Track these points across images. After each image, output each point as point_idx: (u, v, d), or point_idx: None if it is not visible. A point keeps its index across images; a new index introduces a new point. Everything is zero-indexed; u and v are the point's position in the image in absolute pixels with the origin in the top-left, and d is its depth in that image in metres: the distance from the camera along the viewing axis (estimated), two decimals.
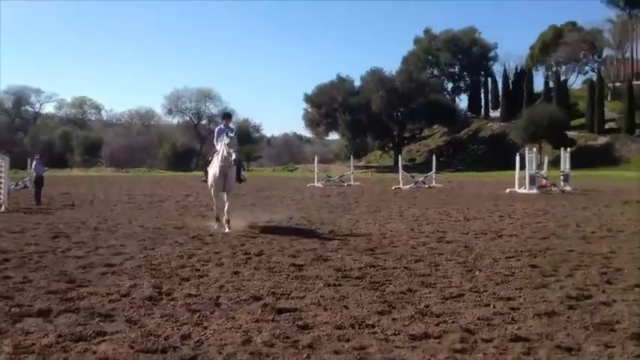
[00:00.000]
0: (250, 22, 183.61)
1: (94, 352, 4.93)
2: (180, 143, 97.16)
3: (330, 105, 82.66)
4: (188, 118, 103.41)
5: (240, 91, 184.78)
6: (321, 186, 33.89)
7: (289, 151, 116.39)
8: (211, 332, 5.50)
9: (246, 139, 76.92)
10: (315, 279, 7.82)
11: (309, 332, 5.54)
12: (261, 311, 6.21)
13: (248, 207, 18.53)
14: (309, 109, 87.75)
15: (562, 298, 6.78)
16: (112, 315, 6.06)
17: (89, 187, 32.56)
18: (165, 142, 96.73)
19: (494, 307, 6.46)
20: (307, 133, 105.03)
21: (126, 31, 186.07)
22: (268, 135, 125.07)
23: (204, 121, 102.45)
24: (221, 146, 12.58)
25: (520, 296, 6.92)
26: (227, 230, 12.40)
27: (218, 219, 13.14)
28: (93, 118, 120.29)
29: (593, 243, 11.25)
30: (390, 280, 7.74)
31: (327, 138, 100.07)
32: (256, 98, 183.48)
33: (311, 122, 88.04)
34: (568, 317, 6.02)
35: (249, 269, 8.51)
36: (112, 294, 6.91)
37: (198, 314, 6.09)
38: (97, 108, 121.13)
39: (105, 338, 5.30)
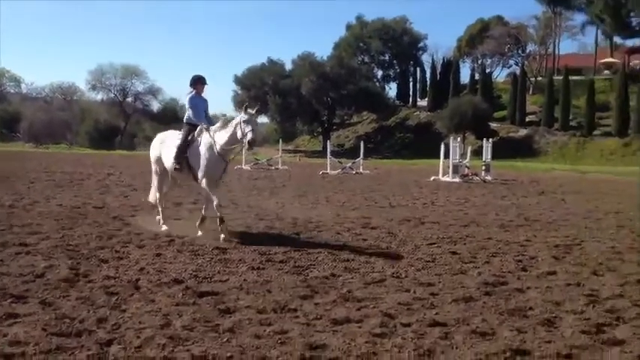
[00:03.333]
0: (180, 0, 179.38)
1: (5, 335, 4.74)
2: (103, 120, 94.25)
3: (260, 88, 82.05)
4: (113, 95, 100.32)
5: (168, 69, 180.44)
6: (249, 169, 33.68)
7: None
8: (129, 316, 5.38)
9: (173, 119, 75.28)
10: (239, 262, 7.77)
11: (231, 316, 5.50)
12: (182, 295, 6.12)
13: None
14: (239, 91, 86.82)
15: (479, 284, 6.99)
16: (25, 297, 5.84)
17: (5, 163, 31.18)
18: (88, 119, 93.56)
19: (414, 292, 6.60)
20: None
21: (49, 3, 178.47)
22: None
23: (129, 99, 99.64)
24: (230, 125, 9.65)
25: (439, 282, 7.09)
26: (223, 236, 9.44)
27: (203, 220, 9.95)
28: (12, 91, 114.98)
29: (510, 231, 11.64)
30: (314, 265, 7.78)
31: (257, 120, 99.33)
32: (184, 78, 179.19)
33: (240, 104, 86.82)
34: (484, 303, 6.21)
35: (171, 252, 8.37)
36: (26, 275, 6.66)
37: (116, 297, 5.94)
38: (17, 81, 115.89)
39: (17, 320, 5.11)
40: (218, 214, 9.58)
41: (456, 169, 27.49)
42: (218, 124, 9.93)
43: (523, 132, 71.64)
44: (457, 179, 26.74)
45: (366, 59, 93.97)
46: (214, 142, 9.73)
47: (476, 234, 11.09)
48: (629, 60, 73.89)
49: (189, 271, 7.13)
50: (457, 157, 27.97)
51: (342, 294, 6.36)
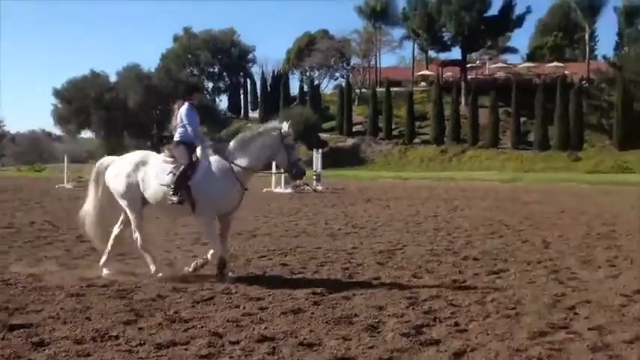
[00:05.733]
0: None
1: None
2: None
3: (83, 101, 78.05)
4: None
5: None
6: (72, 187, 31.81)
7: (37, 149, 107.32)
8: None
9: None
10: (56, 289, 7.23)
11: (45, 349, 5.09)
12: None
13: None
14: (59, 105, 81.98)
15: (308, 294, 7.09)
16: None
17: None
18: None
19: (243, 307, 6.53)
20: (57, 131, 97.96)
21: None
22: (12, 132, 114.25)
23: None
24: (258, 145, 7.94)
25: (269, 295, 7.08)
26: (231, 274, 8.06)
27: (224, 264, 7.99)
28: None
29: (339, 239, 12.00)
30: (140, 288, 7.43)
31: (80, 136, 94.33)
32: None
33: (61, 119, 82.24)
34: (312, 313, 6.30)
35: None
36: None
37: None
38: None
39: None
40: (211, 258, 7.92)
41: (287, 180, 27.89)
42: (233, 144, 8.06)
43: (351, 141, 74.60)
44: (289, 190, 27.15)
45: (196, 71, 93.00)
46: (233, 165, 7.87)
47: (306, 244, 11.28)
48: (442, 72, 79.73)
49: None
50: None
51: (169, 316, 6.13)
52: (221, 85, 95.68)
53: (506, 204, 21.75)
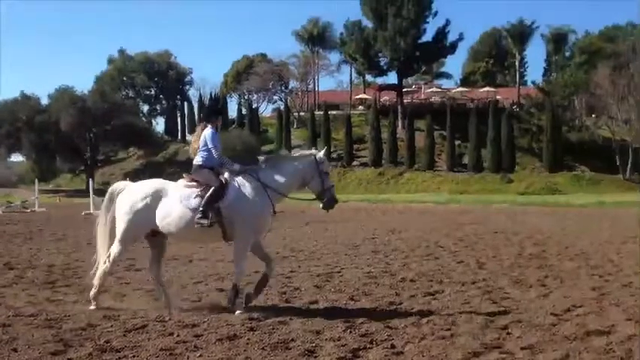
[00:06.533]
0: None
1: None
2: None
3: (13, 124, 75.51)
4: None
5: None
6: (1, 212, 30.67)
7: None
8: None
9: None
10: None
11: None
12: None
13: None
14: None
15: (244, 320, 6.99)
16: None
17: None
18: None
19: (177, 335, 6.38)
20: None
21: None
22: None
23: None
24: (291, 167, 7.88)
25: (204, 322, 6.95)
26: (239, 311, 7.43)
27: (260, 287, 7.97)
28: None
29: (277, 263, 11.86)
30: (69, 317, 7.17)
31: (9, 160, 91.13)
32: None
33: None
34: (248, 339, 6.21)
35: None
36: None
37: None
38: None
39: None
40: (236, 282, 7.75)
41: None
42: (265, 166, 7.90)
43: None
44: None
45: (131, 94, 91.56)
46: (266, 185, 7.69)
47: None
48: (379, 96, 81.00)
49: None
50: None
51: (99, 345, 5.93)
52: (157, 107, 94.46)
53: (442, 225, 22.14)
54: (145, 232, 7.84)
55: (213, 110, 8.34)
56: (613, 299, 8.26)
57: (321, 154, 7.97)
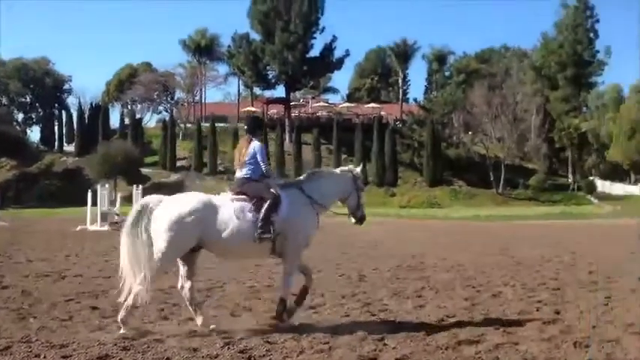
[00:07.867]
0: None
1: None
2: None
3: None
4: None
5: None
6: None
7: None
8: None
9: None
10: None
11: None
12: None
13: None
14: None
15: (117, 339, 6.68)
16: None
17: None
18: None
19: (44, 357, 6.02)
20: None
21: None
22: None
23: None
24: (333, 180, 8.05)
25: (74, 342, 6.58)
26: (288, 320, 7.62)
27: (301, 299, 7.82)
28: None
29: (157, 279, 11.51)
30: None
31: None
32: None
33: None
34: (120, 359, 5.93)
35: None
36: None
37: None
38: None
39: None
40: (284, 296, 7.61)
41: (104, 217, 26.61)
42: (307, 181, 7.94)
43: (174, 177, 73.09)
44: (106, 227, 25.83)
45: (5, 101, 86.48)
46: (313, 199, 7.76)
47: (117, 285, 10.69)
48: (267, 109, 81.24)
49: None
50: (106, 205, 27.13)
51: None
52: (33, 116, 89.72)
53: (326, 238, 22.37)
54: (190, 248, 7.42)
55: (258, 124, 8.41)
56: (483, 309, 8.64)
57: (358, 170, 8.23)
